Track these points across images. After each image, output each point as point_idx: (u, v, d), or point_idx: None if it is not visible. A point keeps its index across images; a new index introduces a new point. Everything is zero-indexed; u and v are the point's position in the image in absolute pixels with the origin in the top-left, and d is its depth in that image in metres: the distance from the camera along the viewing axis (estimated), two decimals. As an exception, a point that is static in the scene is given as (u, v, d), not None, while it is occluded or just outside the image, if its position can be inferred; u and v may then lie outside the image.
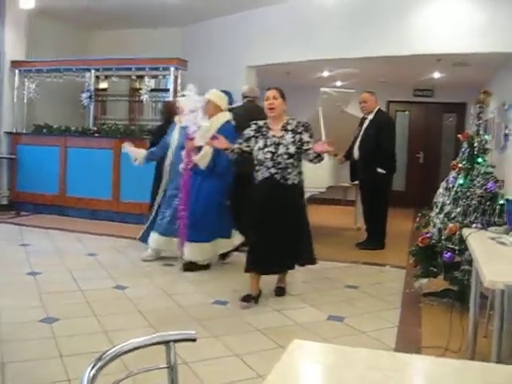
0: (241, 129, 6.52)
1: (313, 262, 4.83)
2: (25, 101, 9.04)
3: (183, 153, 5.53)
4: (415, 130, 11.85)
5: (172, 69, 8.10)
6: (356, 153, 6.84)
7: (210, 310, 4.39)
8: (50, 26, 9.50)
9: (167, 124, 6.35)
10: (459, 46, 6.88)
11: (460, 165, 4.58)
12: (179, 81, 8.20)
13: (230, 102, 5.82)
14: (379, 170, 6.57)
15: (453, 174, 4.65)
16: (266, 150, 4.46)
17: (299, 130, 4.51)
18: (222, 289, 5.00)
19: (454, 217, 4.41)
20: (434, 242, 4.55)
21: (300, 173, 4.63)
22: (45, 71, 8.88)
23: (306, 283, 5.42)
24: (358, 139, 6.85)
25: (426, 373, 1.44)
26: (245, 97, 6.74)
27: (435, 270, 4.57)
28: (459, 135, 4.81)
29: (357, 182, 7.29)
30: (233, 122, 5.59)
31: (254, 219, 4.62)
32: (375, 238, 6.80)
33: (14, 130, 8.93)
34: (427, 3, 7.14)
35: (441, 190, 4.74)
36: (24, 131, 8.95)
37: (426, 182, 10.81)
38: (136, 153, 6.03)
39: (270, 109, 4.54)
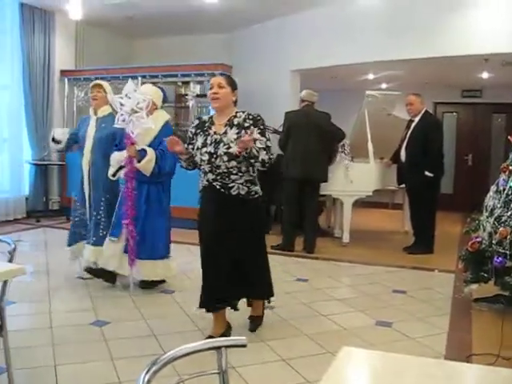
0: (297, 134, 6.62)
1: (265, 296, 4.03)
2: (74, 109, 9.29)
3: (115, 156, 4.75)
4: (463, 131, 11.62)
5: (217, 74, 8.15)
6: (403, 156, 6.74)
7: (258, 315, 4.39)
8: (97, 36, 9.72)
9: None
10: (507, 45, 6.72)
11: (511, 167, 4.47)
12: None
13: (165, 99, 5.13)
14: (427, 173, 6.47)
15: (503, 176, 4.54)
16: (204, 150, 3.60)
17: (246, 125, 3.61)
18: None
19: (505, 220, 4.31)
20: (484, 246, 4.44)
21: (252, 182, 3.70)
22: (93, 79, 9.07)
23: (353, 287, 5.40)
24: (405, 142, 6.75)
25: (477, 382, 1.42)
26: (303, 101, 6.78)
27: (486, 275, 4.46)
28: (509, 136, 4.70)
29: (403, 186, 7.19)
30: (171, 123, 5.12)
31: (199, 238, 3.78)
32: (423, 242, 6.70)
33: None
34: (472, 2, 7.00)
35: (491, 193, 4.63)
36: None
37: (474, 184, 10.59)
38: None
39: (213, 99, 3.64)
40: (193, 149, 3.71)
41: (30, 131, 8.68)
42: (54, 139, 5.39)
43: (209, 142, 3.62)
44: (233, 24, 9.22)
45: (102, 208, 5.03)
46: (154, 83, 8.82)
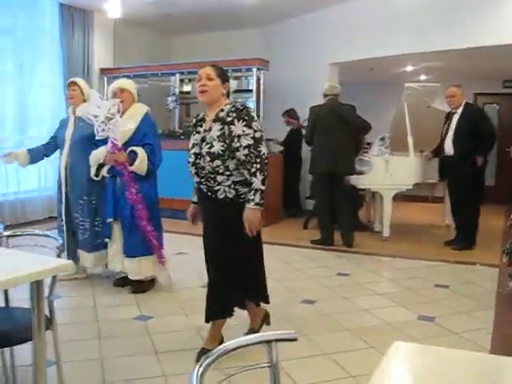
0: (322, 128, 6.60)
1: (263, 300, 3.73)
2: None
3: (93, 155, 4.60)
4: (505, 122, 11.36)
5: (254, 70, 8.19)
6: (449, 149, 6.55)
7: (299, 309, 4.40)
8: (135, 34, 9.83)
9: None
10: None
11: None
12: (261, 81, 8.28)
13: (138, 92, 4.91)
14: (479, 159, 6.34)
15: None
16: (192, 151, 3.35)
17: (229, 119, 3.21)
18: (311, 287, 5.02)
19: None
20: (529, 240, 4.36)
21: (243, 182, 3.26)
22: (131, 77, 9.17)
23: (394, 282, 5.36)
24: (450, 135, 6.55)
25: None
26: (326, 95, 6.73)
27: (531, 269, 4.38)
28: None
29: (444, 179, 7.07)
30: (150, 114, 4.79)
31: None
32: (466, 236, 6.57)
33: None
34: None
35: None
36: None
37: (517, 176, 10.39)
38: (16, 156, 5.05)
39: (201, 92, 3.30)
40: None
41: (71, 129, 8.82)
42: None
43: (195, 141, 3.36)
44: (269, 18, 9.21)
45: (80, 211, 4.87)
46: (190, 79, 9.00)
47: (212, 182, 3.26)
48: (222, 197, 3.26)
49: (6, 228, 3.71)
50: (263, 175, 3.18)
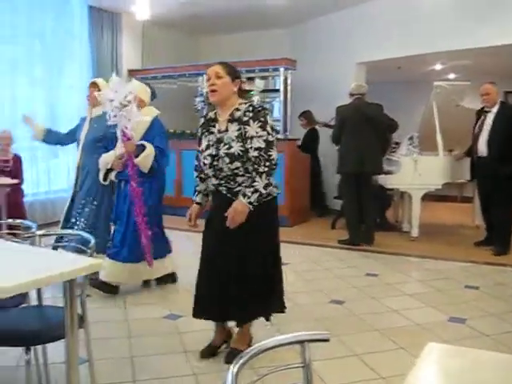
0: (349, 127, 6.57)
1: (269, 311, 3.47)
2: (142, 107, 9.50)
3: (103, 159, 4.58)
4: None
5: (281, 69, 8.18)
6: (483, 149, 6.32)
7: (327, 310, 4.39)
8: (163, 35, 9.90)
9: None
10: None
11: None
12: (289, 81, 8.28)
13: (154, 95, 4.88)
14: None
15: None
16: (207, 152, 3.22)
17: (245, 119, 3.14)
18: (339, 287, 5.00)
19: None
20: None
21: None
22: (159, 78, 9.25)
23: (423, 282, 5.30)
24: (484, 135, 6.32)
25: None
26: (352, 95, 6.70)
27: None
28: None
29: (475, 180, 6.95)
30: (159, 118, 4.75)
31: (202, 246, 3.42)
32: (503, 240, 6.35)
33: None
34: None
35: None
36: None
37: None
38: (34, 125, 5.32)
39: (210, 92, 3.22)
40: (200, 152, 3.34)
41: (101, 130, 8.93)
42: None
43: (211, 142, 3.23)
44: (297, 18, 9.19)
45: (79, 210, 4.81)
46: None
47: (232, 183, 3.18)
48: None
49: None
50: (268, 180, 3.12)
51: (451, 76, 10.44)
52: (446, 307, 4.43)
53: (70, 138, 5.26)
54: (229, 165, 3.12)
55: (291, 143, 8.07)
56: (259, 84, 8.65)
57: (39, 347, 2.75)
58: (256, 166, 3.10)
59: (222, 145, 3.16)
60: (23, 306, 2.78)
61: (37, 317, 2.61)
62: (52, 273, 2.14)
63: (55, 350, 2.86)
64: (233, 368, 1.15)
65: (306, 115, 8.73)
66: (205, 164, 3.24)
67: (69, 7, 8.36)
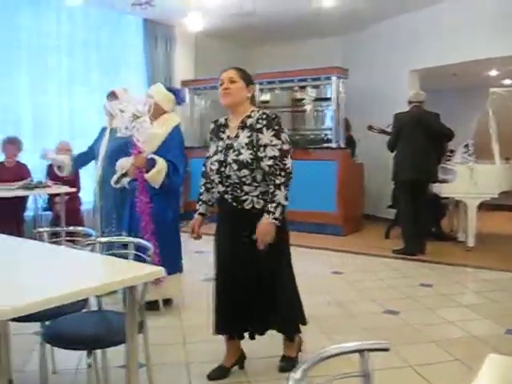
0: (406, 135, 6.51)
1: (288, 330, 3.36)
2: (196, 117, 9.66)
3: (120, 162, 4.30)
4: None
5: (333, 78, 8.17)
6: None
7: (381, 320, 4.35)
8: (215, 45, 10.04)
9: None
10: None
11: None
12: (341, 89, 8.26)
13: (179, 101, 4.63)
14: None
15: None
16: (215, 158, 3.15)
17: (258, 126, 3.07)
18: (393, 297, 4.95)
19: None
20: None
21: (265, 194, 3.09)
22: (212, 88, 9.36)
23: (479, 293, 5.18)
24: None
25: None
26: (410, 102, 6.66)
27: None
28: None
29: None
30: (181, 127, 4.50)
31: (216, 258, 3.31)
32: None
33: (188, 145, 9.53)
34: None
35: None
36: (196, 145, 9.48)
37: None
38: (59, 160, 5.10)
39: (223, 94, 3.16)
40: (208, 158, 3.26)
41: (155, 139, 9.10)
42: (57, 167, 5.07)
43: (220, 148, 3.15)
44: (348, 26, 9.18)
45: (113, 224, 4.67)
46: (270, 89, 9.09)
47: (239, 191, 3.08)
48: (248, 207, 3.08)
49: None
50: (287, 190, 3.02)
51: (507, 82, 10.21)
52: (502, 319, 4.31)
53: (88, 157, 5.08)
54: (236, 172, 3.04)
55: (344, 152, 8.05)
56: (311, 93, 8.66)
57: (98, 351, 2.83)
58: (272, 178, 3.01)
59: (231, 151, 3.08)
60: (84, 311, 2.87)
61: (98, 322, 2.69)
62: (113, 279, 2.21)
63: (112, 354, 2.95)
64: (295, 375, 1.17)
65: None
66: (211, 170, 3.16)
67: (124, 20, 8.63)
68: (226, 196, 3.12)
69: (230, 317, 3.23)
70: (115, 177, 4.33)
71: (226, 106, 3.19)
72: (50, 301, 1.91)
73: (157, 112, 4.23)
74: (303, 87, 8.83)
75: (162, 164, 4.12)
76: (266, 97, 9.46)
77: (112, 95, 4.80)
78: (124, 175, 4.30)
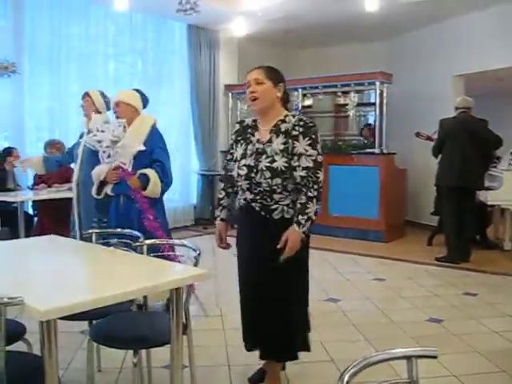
0: (453, 141, 6.42)
1: (285, 357, 3.15)
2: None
3: (95, 171, 4.11)
4: None
5: (377, 83, 8.11)
6: None
7: (425, 328, 4.29)
8: (258, 50, 10.07)
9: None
10: None
11: None
12: (384, 94, 8.20)
13: (145, 102, 4.42)
14: None
15: None
16: (243, 162, 2.93)
17: (294, 133, 2.86)
18: (437, 305, 4.88)
19: None
20: None
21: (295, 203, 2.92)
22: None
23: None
24: None
25: None
26: (457, 108, 6.57)
27: None
28: None
29: None
30: (157, 126, 4.31)
31: (238, 264, 3.16)
32: None
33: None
34: None
35: None
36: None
37: None
38: (31, 163, 5.05)
39: (251, 100, 2.94)
40: (230, 161, 3.09)
41: (198, 143, 9.22)
42: None
43: (249, 152, 2.93)
44: (391, 31, 9.10)
45: (96, 227, 4.26)
46: (312, 94, 9.08)
47: (269, 199, 2.87)
48: (278, 217, 2.89)
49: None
50: (319, 204, 2.85)
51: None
52: (551, 331, 4.21)
53: (70, 157, 5.02)
54: (268, 180, 2.83)
55: (387, 157, 7.97)
56: (353, 98, 8.64)
57: (143, 351, 2.88)
58: (305, 190, 2.82)
59: (263, 157, 2.86)
60: (132, 310, 2.93)
61: (144, 322, 2.73)
62: (160, 281, 2.25)
63: (157, 355, 3.01)
64: (343, 378, 1.18)
65: (370, 128, 8.66)
66: (239, 175, 2.92)
67: (169, 26, 8.77)
68: (253, 204, 2.91)
69: (248, 332, 3.16)
70: (94, 188, 4.18)
71: (256, 112, 2.99)
72: (98, 301, 1.97)
73: (129, 113, 4.11)
74: (346, 92, 8.80)
75: (154, 175, 4.02)
76: (309, 102, 9.45)
77: (85, 96, 4.74)
78: (103, 183, 4.15)
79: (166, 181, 4.10)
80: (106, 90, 7.74)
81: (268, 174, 2.82)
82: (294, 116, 2.94)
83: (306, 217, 2.80)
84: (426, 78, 8.64)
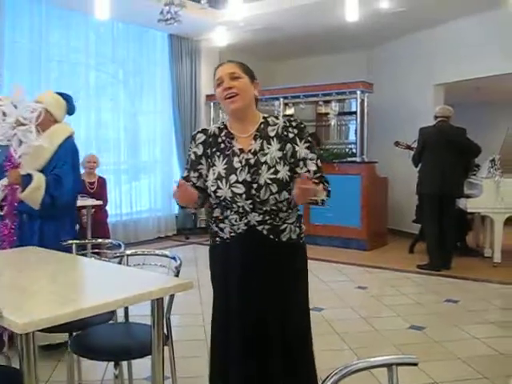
0: (432, 149, 6.48)
1: None
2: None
3: (1, 184, 3.59)
4: None
5: (358, 92, 8.18)
6: None
7: (407, 335, 4.31)
8: (239, 60, 10.04)
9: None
10: None
11: None
12: (365, 104, 8.26)
13: (71, 110, 3.95)
14: None
15: None
16: (234, 179, 2.39)
17: (290, 135, 2.44)
18: (419, 313, 4.90)
19: None
20: None
21: (299, 219, 2.55)
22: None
23: (507, 310, 5.13)
24: None
25: None
26: (436, 117, 6.65)
27: None
28: None
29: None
30: (73, 138, 3.86)
31: (221, 307, 2.57)
32: None
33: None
34: None
35: None
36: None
37: None
38: None
39: (228, 98, 2.41)
40: (200, 177, 2.52)
41: (180, 152, 9.19)
42: None
43: (237, 165, 2.41)
44: (372, 41, 9.20)
45: None
46: (294, 103, 9.12)
47: (277, 219, 2.43)
48: (285, 239, 2.46)
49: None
50: (325, 205, 2.45)
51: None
52: (533, 337, 4.25)
53: None
54: (276, 195, 2.37)
55: (368, 166, 8.03)
56: (334, 107, 8.71)
57: (124, 362, 2.85)
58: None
59: (263, 168, 2.37)
60: (111, 322, 2.90)
61: (125, 333, 2.71)
62: (141, 291, 2.23)
63: (138, 366, 2.98)
64: (324, 386, 1.18)
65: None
66: (236, 194, 2.38)
67: (151, 36, 8.77)
68: (260, 227, 2.42)
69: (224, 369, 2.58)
70: None
71: (235, 113, 2.46)
72: (79, 313, 1.94)
73: (46, 121, 3.60)
74: (328, 101, 8.86)
75: (39, 180, 3.50)
76: (291, 111, 9.49)
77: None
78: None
79: (55, 194, 3.53)
80: (87, 99, 7.81)
81: (275, 188, 2.36)
82: (276, 117, 2.54)
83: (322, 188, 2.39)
84: (406, 87, 8.73)
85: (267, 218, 2.40)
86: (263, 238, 2.42)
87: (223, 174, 2.41)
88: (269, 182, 2.36)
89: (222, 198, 2.42)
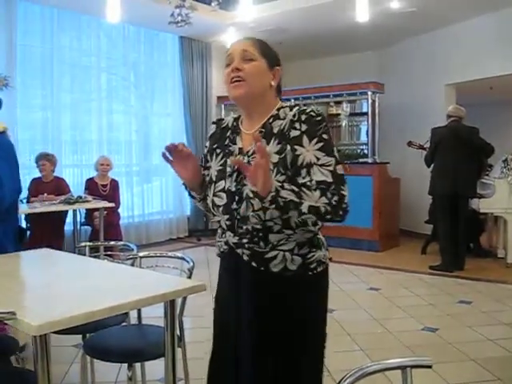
0: (445, 149, 6.44)
1: None
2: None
3: None
4: None
5: (369, 93, 8.16)
6: None
7: (420, 337, 4.29)
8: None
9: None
10: None
11: None
12: (376, 104, 8.24)
13: None
14: None
15: None
16: (221, 186, 1.93)
17: (293, 134, 1.84)
18: (432, 314, 4.88)
19: None
20: None
21: (313, 241, 1.90)
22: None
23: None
24: None
25: None
26: (449, 117, 6.61)
27: None
28: None
29: None
30: (8, 136, 3.59)
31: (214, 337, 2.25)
32: None
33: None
34: None
35: None
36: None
37: None
38: None
39: (233, 82, 1.89)
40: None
41: (191, 155, 9.20)
42: None
43: (229, 169, 1.93)
44: (383, 41, 9.16)
45: None
46: (305, 104, 9.11)
47: (262, 243, 1.84)
48: (277, 269, 1.84)
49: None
50: (325, 220, 1.85)
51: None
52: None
53: None
54: (259, 213, 1.79)
55: (380, 167, 8.00)
56: (346, 107, 8.70)
57: (137, 364, 2.86)
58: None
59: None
60: (124, 324, 2.91)
61: (138, 335, 2.72)
62: (155, 293, 2.24)
63: (151, 368, 2.98)
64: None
65: None
66: (216, 206, 1.93)
67: (162, 39, 8.80)
68: (238, 251, 1.89)
69: None
70: None
71: (237, 101, 1.95)
72: (93, 315, 1.95)
73: None
74: (339, 102, 8.85)
75: None
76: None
77: None
78: None
79: None
80: (98, 102, 7.85)
81: (257, 205, 1.77)
82: (291, 108, 1.92)
83: (292, 200, 1.71)
84: (417, 87, 8.69)
85: (245, 240, 1.86)
86: (242, 263, 1.89)
87: (214, 178, 1.97)
88: (251, 195, 1.78)
89: (209, 206, 1.99)
